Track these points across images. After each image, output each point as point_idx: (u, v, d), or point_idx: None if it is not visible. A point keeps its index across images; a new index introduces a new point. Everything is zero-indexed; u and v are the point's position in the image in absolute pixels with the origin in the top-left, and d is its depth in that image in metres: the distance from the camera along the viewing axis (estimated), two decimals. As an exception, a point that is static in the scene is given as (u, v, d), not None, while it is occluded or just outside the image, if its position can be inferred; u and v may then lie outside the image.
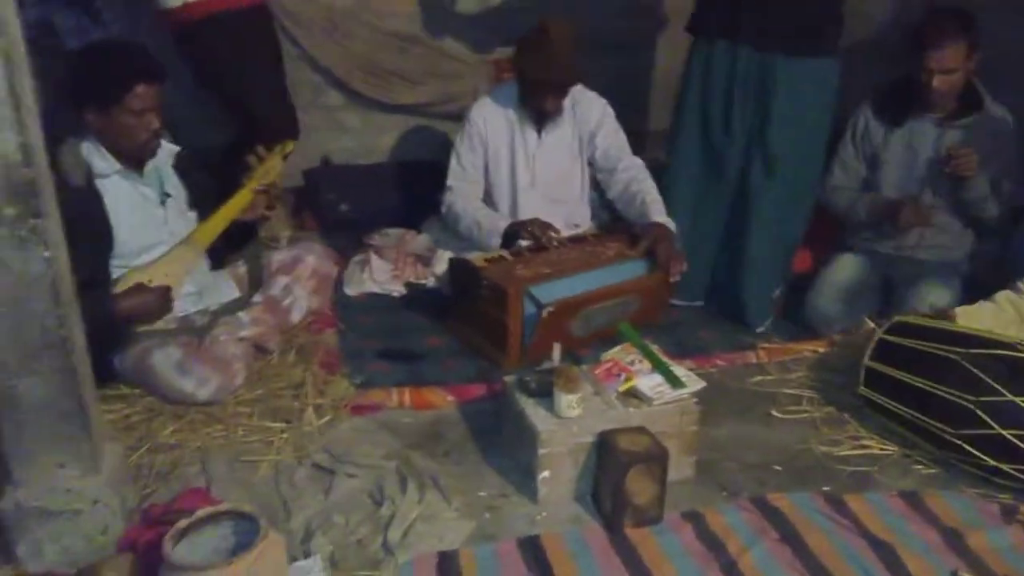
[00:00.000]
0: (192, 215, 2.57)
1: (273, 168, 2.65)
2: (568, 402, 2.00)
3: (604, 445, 1.98)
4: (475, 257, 2.70)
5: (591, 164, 3.05)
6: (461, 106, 3.35)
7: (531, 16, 2.84)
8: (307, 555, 1.80)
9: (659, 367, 2.15)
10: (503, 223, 2.87)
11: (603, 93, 3.04)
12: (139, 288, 2.33)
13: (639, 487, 1.92)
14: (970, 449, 2.08)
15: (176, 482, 2.03)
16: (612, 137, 3.00)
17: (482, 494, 2.05)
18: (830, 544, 1.91)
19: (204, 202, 2.58)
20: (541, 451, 1.99)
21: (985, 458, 2.07)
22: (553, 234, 2.81)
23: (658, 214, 2.76)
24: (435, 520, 1.92)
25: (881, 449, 2.26)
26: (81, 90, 2.30)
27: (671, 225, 2.76)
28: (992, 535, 1.93)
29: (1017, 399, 2.04)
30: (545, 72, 2.76)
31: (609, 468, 1.95)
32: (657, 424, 2.04)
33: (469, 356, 2.63)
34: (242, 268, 2.80)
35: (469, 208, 2.95)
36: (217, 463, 2.10)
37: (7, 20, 1.47)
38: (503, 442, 2.21)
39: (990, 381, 2.07)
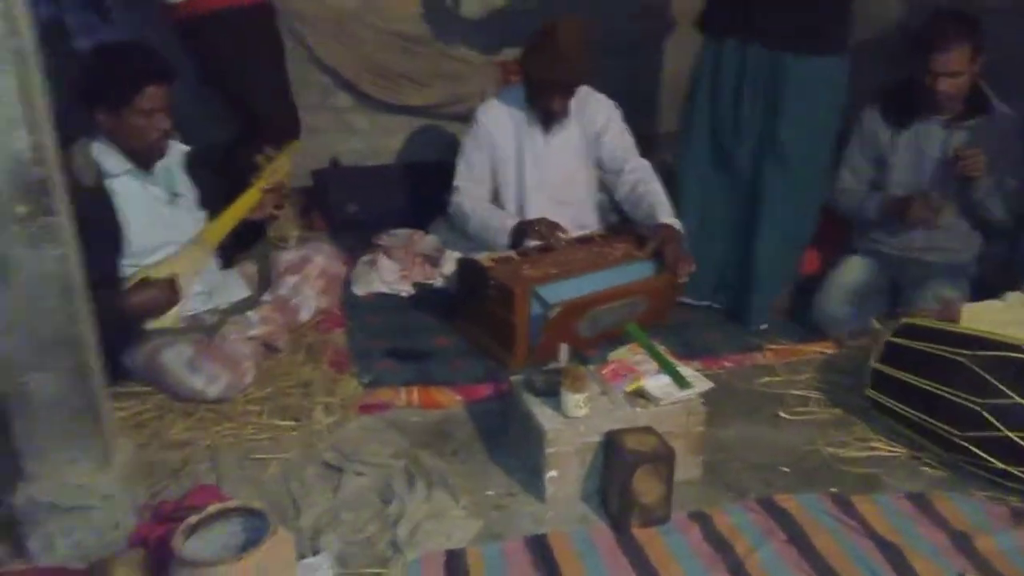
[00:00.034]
0: (201, 214, 2.59)
1: (281, 167, 2.67)
2: (575, 402, 2.01)
3: (611, 445, 1.98)
4: (482, 257, 2.71)
5: (598, 165, 3.06)
6: (468, 107, 3.37)
7: (539, 18, 2.85)
8: (316, 552, 1.81)
9: (666, 367, 2.15)
10: (511, 222, 2.88)
11: (612, 95, 3.05)
12: (144, 283, 2.34)
13: (646, 487, 1.93)
14: (978, 451, 2.08)
15: (186, 479, 2.04)
16: (619, 138, 3.01)
17: (489, 493, 2.06)
18: (837, 545, 1.91)
19: (213, 201, 2.59)
20: (548, 450, 2.00)
21: (993, 460, 2.06)
22: (560, 234, 2.82)
23: (665, 215, 2.77)
24: (443, 518, 1.93)
25: (889, 451, 2.26)
26: (92, 91, 2.32)
27: (678, 226, 2.77)
28: (1000, 538, 1.93)
29: (1025, 401, 2.04)
30: (551, 71, 2.76)
31: (616, 468, 1.96)
32: (664, 424, 2.04)
33: (477, 356, 2.64)
34: (251, 267, 2.82)
35: (477, 208, 2.97)
36: (227, 461, 2.11)
37: (20, 20, 1.49)
38: (510, 441, 2.21)
39: (997, 383, 2.07)
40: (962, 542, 1.91)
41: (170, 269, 2.42)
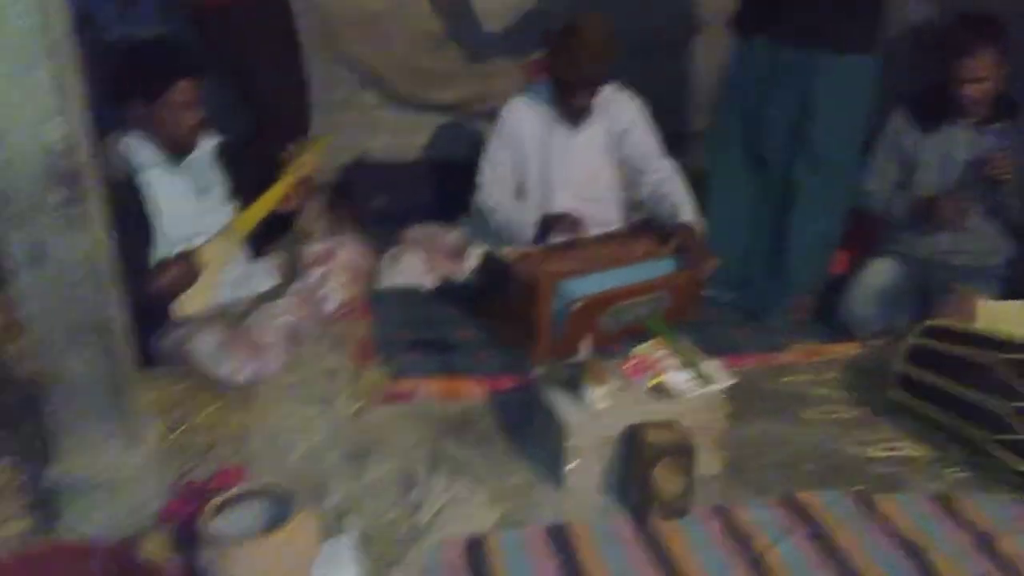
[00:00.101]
0: (231, 207, 2.62)
1: (310, 161, 2.71)
2: (597, 395, 2.03)
3: (632, 438, 2.00)
4: (506, 252, 2.73)
5: (622, 164, 3.07)
6: (495, 105, 3.39)
7: (566, 17, 2.87)
8: (339, 535, 1.83)
9: (688, 362, 2.16)
10: (535, 216, 2.90)
11: (644, 94, 3.06)
12: (165, 264, 2.38)
13: (667, 480, 1.94)
14: (1002, 454, 2.07)
15: (213, 461, 2.07)
16: (644, 137, 3.02)
17: (510, 482, 2.08)
18: (858, 543, 1.91)
19: (243, 194, 2.63)
20: (569, 442, 2.01)
21: (1018, 462, 2.05)
22: (583, 230, 2.83)
23: (687, 214, 2.78)
24: (464, 505, 1.96)
25: (913, 452, 2.25)
26: (124, 85, 2.37)
27: (700, 225, 2.78)
28: (1024, 539, 1.92)
29: (1051, 404, 2.03)
30: (575, 68, 2.78)
31: (637, 460, 1.97)
32: (685, 419, 2.05)
33: (500, 348, 2.66)
34: (279, 258, 2.85)
35: (501, 203, 2.99)
36: (254, 444, 2.14)
37: (54, 13, 1.52)
38: (532, 433, 2.23)
39: (1022, 387, 2.06)
40: (985, 543, 1.91)
41: (200, 259, 2.46)
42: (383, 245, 3.25)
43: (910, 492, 2.09)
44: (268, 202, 2.60)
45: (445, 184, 3.66)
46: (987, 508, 2.03)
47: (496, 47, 3.80)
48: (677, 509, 1.97)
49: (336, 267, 2.76)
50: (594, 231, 2.91)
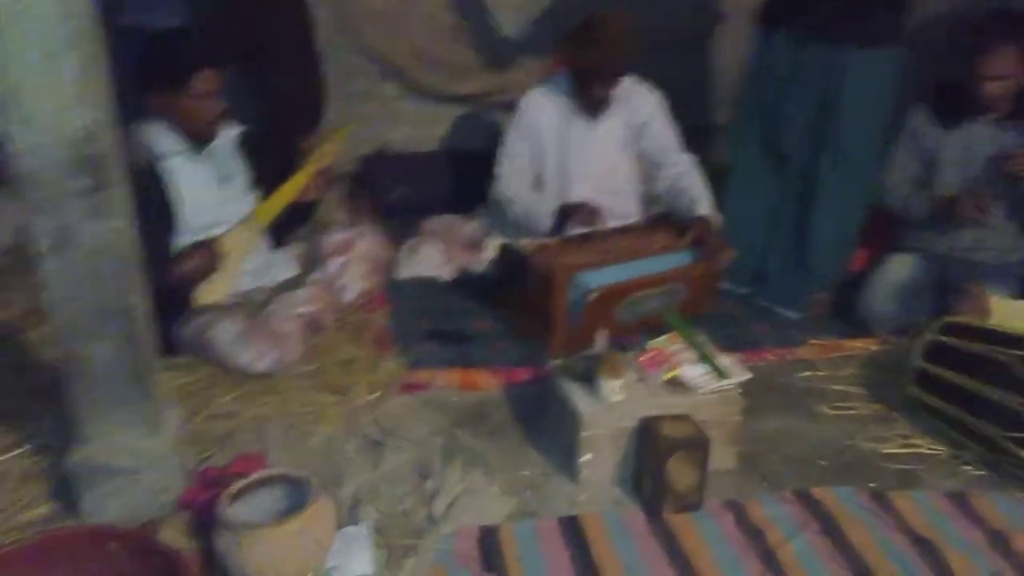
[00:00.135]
0: (252, 196, 2.65)
1: (331, 152, 2.73)
2: (612, 387, 2.03)
3: (646, 431, 2.00)
4: (523, 244, 2.74)
5: (641, 157, 3.07)
6: (514, 97, 3.39)
7: (587, 9, 2.86)
8: (354, 522, 1.86)
9: (704, 357, 2.16)
10: (553, 206, 2.90)
11: (667, 87, 3.05)
12: (187, 252, 2.41)
13: (680, 473, 1.94)
14: (1019, 451, 2.06)
15: (232, 448, 2.10)
16: (663, 131, 3.01)
17: (524, 473, 2.10)
18: (871, 539, 1.90)
19: (264, 183, 2.66)
20: (583, 434, 2.02)
21: (1035, 461, 2.05)
22: (601, 220, 2.83)
23: (704, 207, 2.78)
24: (478, 495, 1.97)
25: (929, 449, 2.24)
26: (148, 74, 2.39)
27: (718, 219, 2.78)
28: (1039, 538, 1.91)
29: (1069, 402, 2.01)
30: (594, 58, 2.78)
31: (651, 453, 1.98)
32: (700, 413, 2.06)
33: (516, 340, 2.67)
34: (299, 248, 2.88)
35: (519, 194, 3.00)
36: (272, 432, 2.17)
37: (80, 0, 1.54)
38: (547, 424, 2.24)
39: (1040, 384, 2.05)
40: (999, 541, 1.90)
41: (222, 247, 2.49)
42: (401, 236, 3.27)
43: (925, 489, 2.09)
44: (289, 192, 2.62)
45: (464, 175, 3.67)
46: (1002, 506, 2.02)
47: (515, 39, 3.81)
48: (690, 503, 1.98)
49: (355, 257, 2.79)
50: (612, 224, 2.92)
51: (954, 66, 2.71)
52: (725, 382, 2.11)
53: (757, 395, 2.34)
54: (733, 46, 3.74)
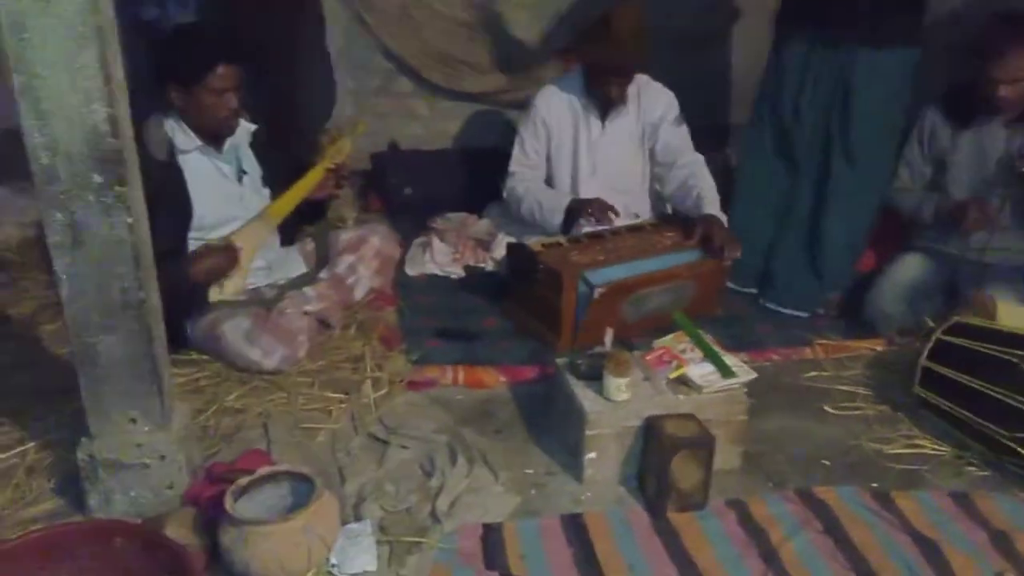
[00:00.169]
0: (266, 192, 2.67)
1: (344, 149, 2.75)
2: (617, 386, 2.03)
3: (651, 429, 2.01)
4: (533, 242, 2.75)
5: (651, 157, 3.08)
6: (527, 94, 3.41)
7: (600, 7, 2.87)
8: (359, 519, 1.88)
9: (710, 356, 2.17)
10: (565, 200, 2.92)
11: (682, 86, 3.05)
12: (206, 250, 2.43)
13: (684, 472, 1.95)
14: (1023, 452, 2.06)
15: (239, 444, 2.12)
16: (675, 131, 3.02)
17: (529, 471, 2.10)
18: (873, 538, 1.90)
19: (277, 180, 2.67)
20: (588, 432, 2.03)
21: (1040, 462, 2.04)
22: (612, 216, 2.84)
23: (711, 207, 2.78)
24: (482, 493, 1.99)
25: (934, 449, 2.24)
26: (165, 69, 2.41)
27: (723, 218, 2.80)
28: (1043, 539, 1.90)
29: (1075, 404, 2.00)
30: (608, 57, 2.79)
31: (655, 452, 1.98)
32: (705, 412, 2.06)
33: (523, 338, 2.69)
34: (310, 245, 2.90)
35: (532, 188, 3.01)
36: (278, 428, 2.19)
37: (101, -3, 1.56)
38: (552, 423, 2.25)
39: (1048, 385, 2.04)
40: (1002, 542, 1.89)
41: (239, 248, 2.51)
42: (412, 233, 3.29)
43: (929, 489, 2.08)
44: (303, 189, 2.64)
45: (476, 173, 3.68)
46: (1006, 507, 2.02)
47: (529, 38, 3.81)
48: (694, 502, 1.98)
49: (365, 255, 2.80)
50: (622, 222, 2.92)
51: (966, 66, 2.70)
52: (731, 381, 2.11)
53: (762, 395, 2.35)
54: (750, 45, 3.74)
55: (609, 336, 2.19)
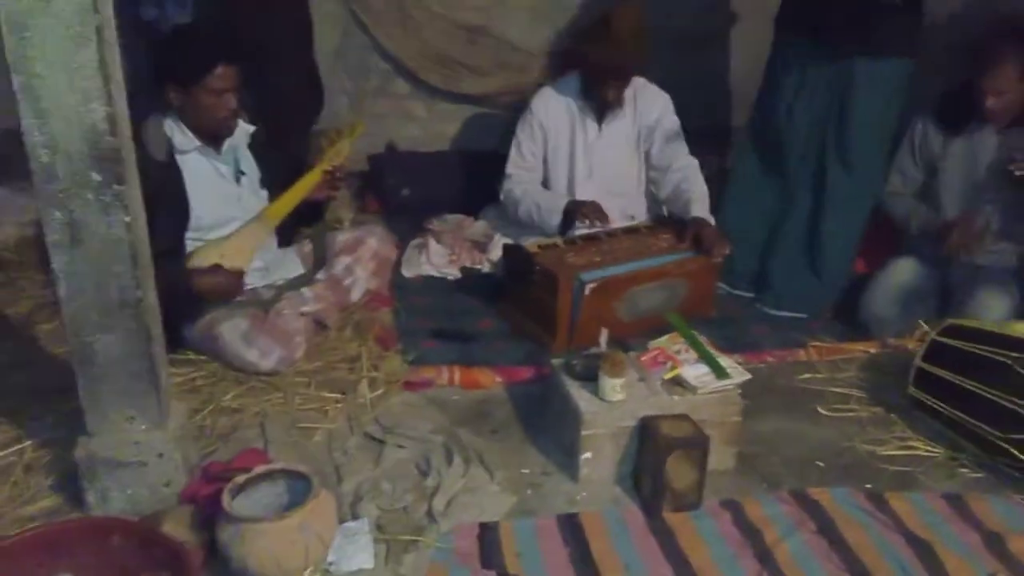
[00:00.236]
0: (264, 193, 2.67)
1: (343, 151, 2.75)
2: (612, 386, 2.05)
3: (646, 430, 2.02)
4: (529, 244, 2.76)
5: (647, 160, 3.09)
6: (525, 97, 3.42)
7: (598, 9, 2.89)
8: (355, 518, 1.89)
9: (705, 357, 2.18)
10: (563, 202, 2.93)
11: (683, 87, 3.07)
12: (215, 269, 2.42)
13: (679, 472, 1.96)
14: (1018, 454, 2.06)
15: (236, 443, 2.13)
16: (670, 134, 3.03)
17: (525, 471, 2.11)
18: (867, 539, 1.91)
19: (275, 181, 2.68)
20: (584, 432, 2.04)
21: (1033, 464, 2.05)
22: (607, 219, 2.86)
23: (700, 210, 2.81)
24: (478, 493, 2.00)
25: (927, 451, 2.25)
26: (164, 69, 2.41)
27: (712, 220, 2.82)
28: (1035, 540, 1.92)
29: (1068, 406, 2.02)
30: (607, 56, 2.80)
31: (650, 452, 1.99)
32: (700, 413, 2.07)
33: (519, 339, 2.69)
34: (307, 246, 2.91)
35: (529, 190, 3.02)
36: (275, 428, 2.20)
37: (102, -2, 1.57)
38: (548, 423, 2.26)
39: (1041, 386, 2.05)
40: (995, 543, 1.91)
41: (233, 244, 2.50)
42: (409, 234, 3.30)
43: (922, 491, 2.09)
44: (301, 191, 2.64)
45: (472, 175, 3.69)
46: (999, 508, 2.03)
47: (527, 40, 3.83)
48: (689, 502, 1.99)
49: (362, 257, 2.81)
50: (618, 224, 2.94)
51: (958, 73, 2.72)
52: (725, 383, 2.12)
53: (757, 396, 2.36)
54: (751, 47, 3.76)
55: (604, 337, 2.20)
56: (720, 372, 2.14)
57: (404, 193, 3.68)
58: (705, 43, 3.93)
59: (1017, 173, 2.59)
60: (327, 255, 2.84)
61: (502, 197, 3.13)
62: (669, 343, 2.25)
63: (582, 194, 3.04)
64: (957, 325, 2.36)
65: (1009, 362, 2.12)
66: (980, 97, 2.61)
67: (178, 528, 1.71)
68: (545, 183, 3.13)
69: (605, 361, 2.06)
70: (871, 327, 2.79)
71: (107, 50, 1.57)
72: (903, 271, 2.85)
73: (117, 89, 1.62)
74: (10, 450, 2.07)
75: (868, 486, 2.11)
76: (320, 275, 2.74)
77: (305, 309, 2.56)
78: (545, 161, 3.11)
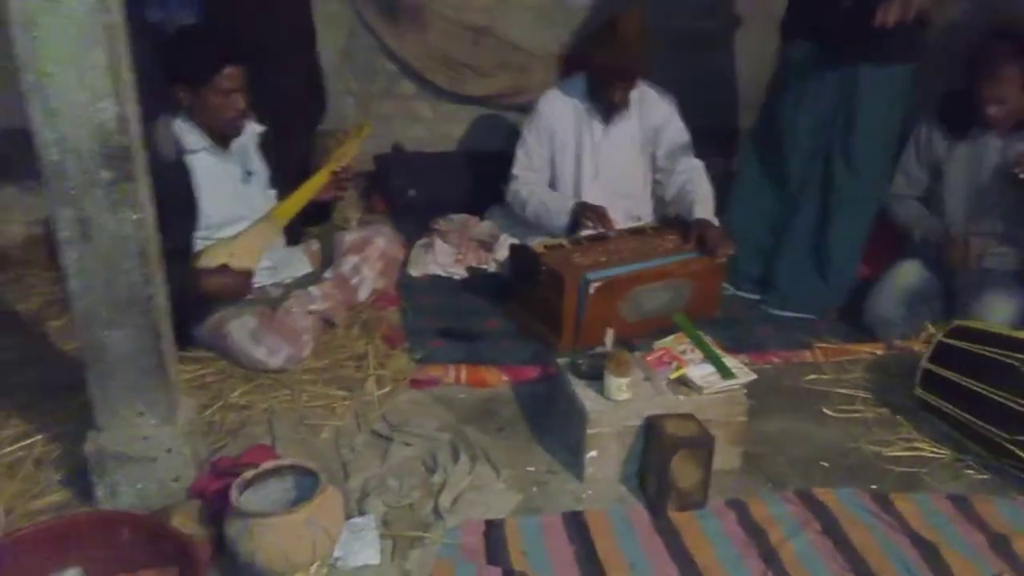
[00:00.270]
0: (272, 193, 2.68)
1: (350, 151, 2.77)
2: (618, 385, 2.05)
3: (651, 429, 2.03)
4: (535, 244, 2.77)
5: (652, 161, 3.10)
6: (530, 98, 3.43)
7: (603, 12, 2.90)
8: (362, 514, 1.90)
9: (711, 357, 2.18)
10: (570, 203, 2.94)
11: (686, 87, 3.08)
12: (223, 270, 2.42)
13: (684, 471, 1.96)
14: (1023, 454, 2.07)
15: (244, 439, 2.14)
16: (676, 136, 3.04)
17: (530, 469, 2.12)
18: (872, 539, 1.92)
19: (283, 181, 2.69)
20: (589, 431, 2.05)
21: (1039, 465, 2.05)
22: (609, 227, 2.87)
23: (703, 212, 2.81)
24: (484, 490, 2.00)
25: (933, 452, 2.25)
26: (173, 70, 2.43)
27: (716, 222, 2.83)
28: (1041, 541, 1.92)
29: (1074, 407, 2.02)
30: (613, 59, 2.82)
31: (655, 451, 2.00)
32: (705, 412, 2.08)
33: (525, 339, 2.70)
34: (315, 245, 2.92)
35: (536, 191, 3.03)
36: (282, 424, 2.21)
37: (112, -2, 1.58)
38: (553, 422, 2.27)
39: (1048, 388, 2.06)
40: (1000, 544, 1.91)
41: (241, 243, 2.52)
42: (416, 234, 3.31)
43: (928, 492, 2.10)
44: (309, 191, 2.65)
45: (479, 175, 3.70)
46: (1004, 510, 2.03)
47: (533, 41, 3.84)
48: (694, 501, 2.00)
49: (370, 256, 2.82)
50: (623, 226, 2.94)
51: (958, 75, 2.73)
52: (730, 383, 2.13)
53: (763, 396, 2.37)
54: (756, 48, 3.77)
55: (610, 337, 2.21)
56: (726, 372, 2.14)
57: (410, 193, 3.70)
58: (710, 44, 3.94)
59: (1021, 176, 2.58)
60: (334, 254, 2.85)
61: (508, 198, 3.14)
62: (675, 343, 2.25)
63: (588, 195, 3.05)
64: (963, 326, 2.36)
65: (1016, 364, 2.13)
66: (981, 105, 2.62)
67: (186, 522, 1.72)
68: (551, 184, 3.14)
69: (611, 360, 2.07)
70: (876, 329, 2.79)
71: (117, 49, 1.58)
72: (908, 273, 2.85)
73: (127, 87, 1.63)
74: (20, 445, 2.08)
75: (873, 487, 2.11)
76: (328, 274, 2.75)
77: (313, 307, 2.57)
78: (551, 162, 3.12)
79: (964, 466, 2.20)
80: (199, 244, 2.50)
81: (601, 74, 2.91)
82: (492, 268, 3.11)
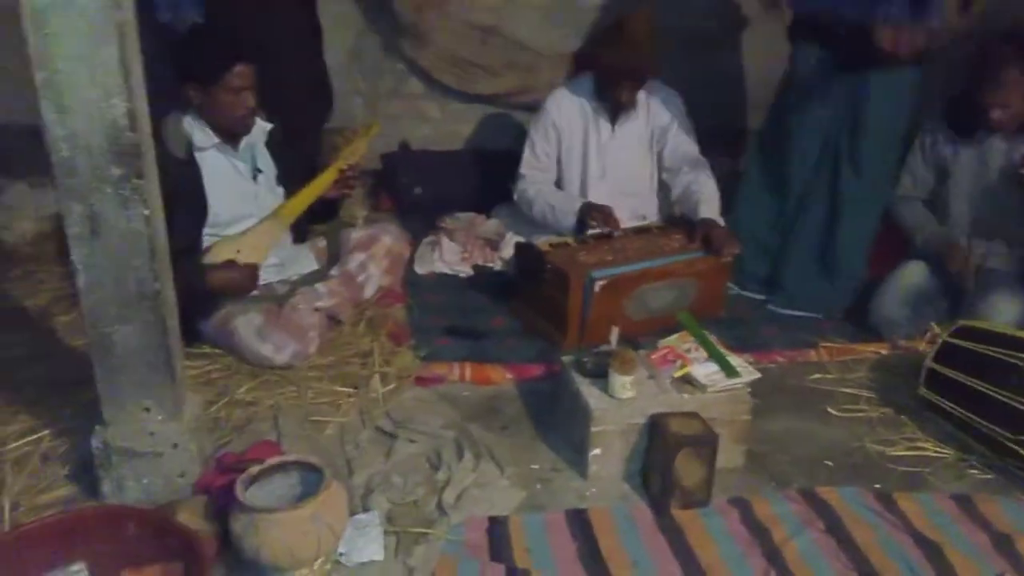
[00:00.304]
0: (280, 190, 2.70)
1: (358, 150, 2.78)
2: (622, 383, 2.06)
3: (655, 427, 2.03)
4: (540, 242, 2.78)
5: (659, 161, 3.10)
6: (538, 97, 3.44)
7: (611, 11, 2.90)
8: (366, 510, 1.91)
9: (715, 356, 2.19)
10: (577, 203, 2.95)
11: (695, 86, 3.08)
12: (230, 264, 2.45)
13: (688, 470, 1.97)
14: (1028, 455, 2.07)
15: (249, 435, 2.15)
16: (683, 135, 3.05)
17: (534, 467, 2.13)
18: (875, 539, 1.92)
19: (291, 178, 2.71)
20: (593, 429, 2.05)
21: (1043, 465, 2.05)
22: (615, 226, 2.88)
23: (708, 212, 2.82)
24: (488, 487, 2.01)
25: (937, 452, 2.25)
26: (184, 69, 2.45)
27: (721, 222, 2.84)
28: (1044, 541, 1.92)
29: (1079, 408, 2.02)
30: (622, 59, 2.82)
31: (659, 449, 2.00)
32: (709, 411, 2.08)
33: (530, 337, 2.71)
34: (322, 243, 2.93)
35: (543, 191, 3.04)
36: (288, 421, 2.22)
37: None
38: (558, 419, 2.27)
39: (1052, 389, 2.06)
40: (1004, 544, 1.91)
41: (248, 241, 2.53)
42: (421, 232, 3.32)
43: (931, 491, 2.10)
44: (316, 189, 2.67)
45: (485, 174, 3.71)
46: (1008, 509, 2.03)
47: (541, 41, 3.84)
48: (697, 499, 2.00)
49: (376, 254, 2.83)
50: (630, 225, 2.95)
51: (967, 80, 2.72)
52: (735, 381, 2.13)
53: (767, 395, 2.37)
54: (764, 49, 3.77)
55: (615, 335, 2.22)
56: (730, 371, 2.15)
57: (417, 191, 3.71)
58: (717, 44, 3.93)
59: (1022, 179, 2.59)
60: (341, 252, 2.86)
61: (515, 197, 3.14)
62: (679, 342, 2.26)
63: (594, 194, 3.05)
64: (968, 326, 2.36)
65: (1021, 364, 2.13)
66: (985, 109, 2.62)
67: (192, 518, 1.73)
68: (558, 183, 3.15)
69: (615, 359, 2.07)
70: (881, 329, 2.79)
71: (128, 46, 1.60)
72: (913, 274, 2.85)
73: (137, 85, 1.64)
74: (27, 440, 2.10)
75: (877, 486, 2.11)
76: (334, 271, 2.76)
77: (319, 304, 2.58)
78: (559, 161, 3.13)
79: (968, 466, 2.20)
80: (207, 241, 2.52)
81: (609, 74, 2.91)
82: (498, 266, 3.12)
